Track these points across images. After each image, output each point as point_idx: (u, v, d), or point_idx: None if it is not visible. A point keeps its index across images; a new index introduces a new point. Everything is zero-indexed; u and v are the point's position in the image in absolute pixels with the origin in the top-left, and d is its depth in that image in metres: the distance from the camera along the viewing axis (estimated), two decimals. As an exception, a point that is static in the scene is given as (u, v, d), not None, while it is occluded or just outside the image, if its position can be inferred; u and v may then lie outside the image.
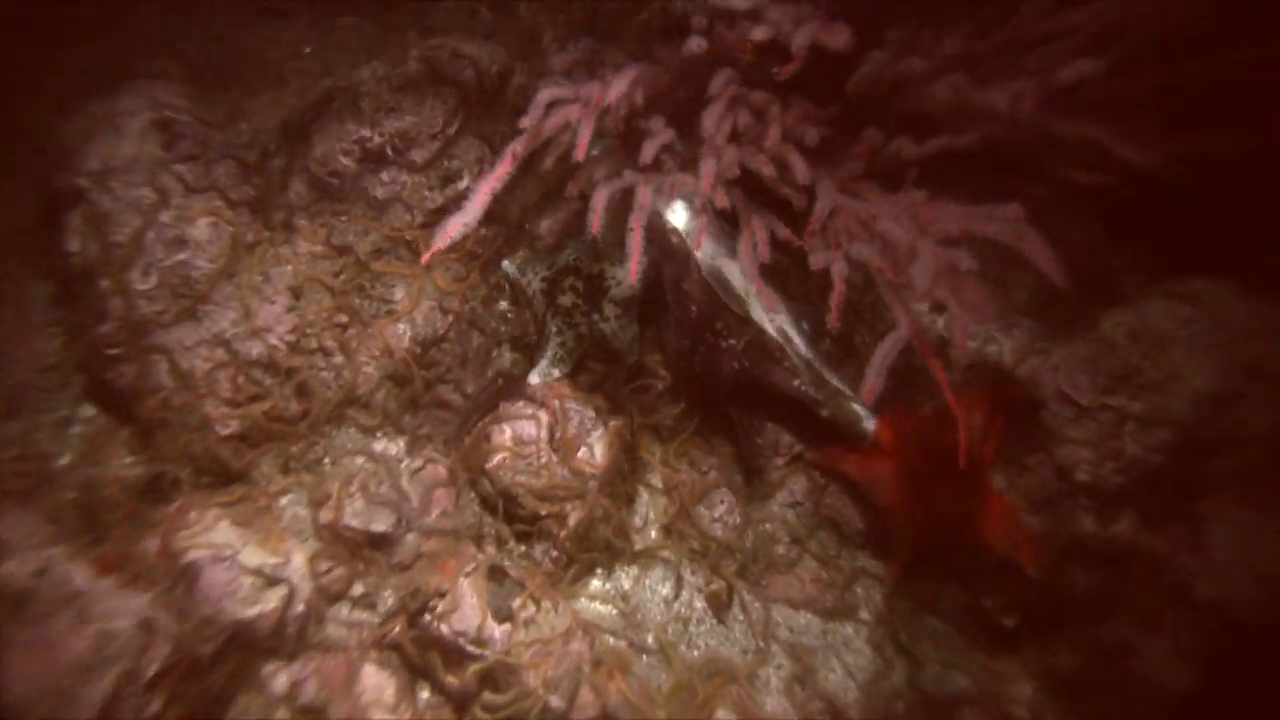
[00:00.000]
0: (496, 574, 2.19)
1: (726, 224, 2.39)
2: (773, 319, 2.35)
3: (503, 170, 2.12)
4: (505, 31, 2.62)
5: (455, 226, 2.06)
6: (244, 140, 2.40)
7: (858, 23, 2.11)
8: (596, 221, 2.16)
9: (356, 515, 2.22)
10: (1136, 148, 2.17)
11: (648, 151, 2.20)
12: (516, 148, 2.13)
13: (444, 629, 2.10)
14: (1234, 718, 2.18)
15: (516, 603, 2.14)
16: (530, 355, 2.53)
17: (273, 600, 2.09)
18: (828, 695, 2.30)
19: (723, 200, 2.22)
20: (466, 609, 2.11)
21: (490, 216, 2.45)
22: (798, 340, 2.35)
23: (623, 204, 2.24)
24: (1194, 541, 2.17)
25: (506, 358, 2.54)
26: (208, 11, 2.63)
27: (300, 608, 2.13)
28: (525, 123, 2.14)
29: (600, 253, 2.48)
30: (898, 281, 2.09)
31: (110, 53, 2.55)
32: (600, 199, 2.22)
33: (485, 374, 2.49)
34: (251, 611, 2.06)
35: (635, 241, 2.14)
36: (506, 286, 2.53)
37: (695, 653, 2.30)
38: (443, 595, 2.12)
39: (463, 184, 2.42)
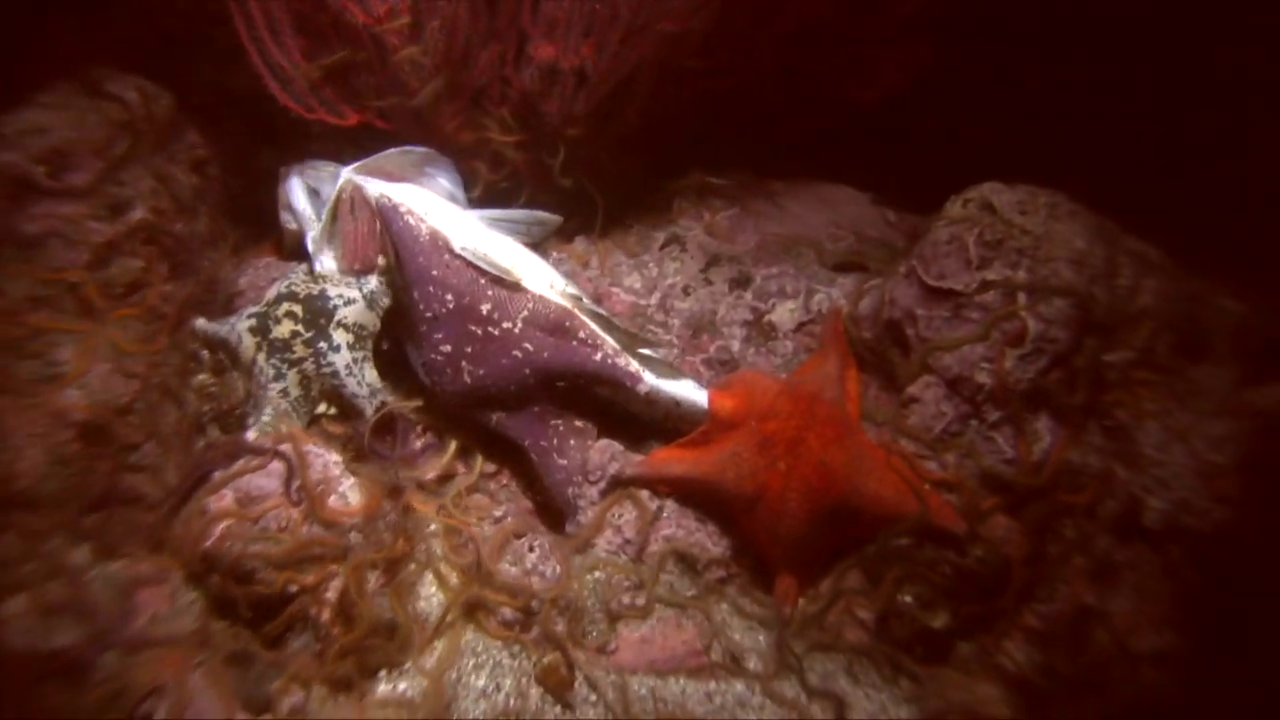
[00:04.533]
0: (242, 658, 1.90)
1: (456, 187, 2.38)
2: (555, 281, 2.16)
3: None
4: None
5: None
6: None
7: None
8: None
9: (25, 632, 1.85)
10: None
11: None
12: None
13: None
14: (1232, 656, 2.04)
15: (276, 685, 1.86)
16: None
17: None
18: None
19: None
20: (203, 704, 1.79)
21: (179, 268, 2.36)
22: (588, 300, 2.15)
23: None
24: (1124, 450, 2.10)
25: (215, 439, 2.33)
26: None
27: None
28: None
29: (320, 274, 2.36)
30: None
31: None
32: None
33: (187, 459, 2.24)
34: None
35: None
36: (205, 354, 2.35)
37: (542, 758, 2.01)
38: (162, 692, 1.77)
39: (136, 214, 2.23)
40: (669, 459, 2.18)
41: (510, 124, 2.48)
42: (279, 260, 2.63)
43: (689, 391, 2.17)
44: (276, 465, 2.07)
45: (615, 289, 2.47)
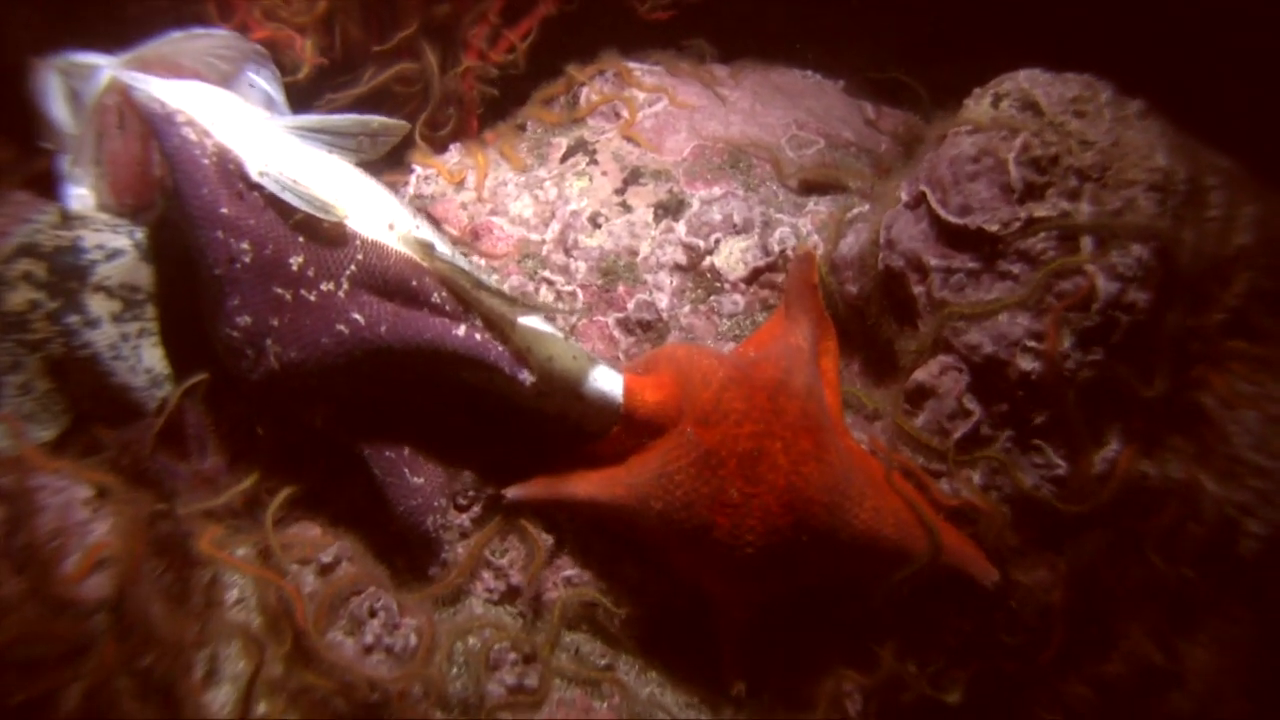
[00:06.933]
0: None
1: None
2: (397, 220, 1.51)
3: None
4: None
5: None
6: None
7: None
8: None
9: None
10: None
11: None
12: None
13: None
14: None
15: None
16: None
17: None
18: None
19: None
20: None
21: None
22: (443, 248, 1.50)
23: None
24: (1212, 451, 1.55)
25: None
26: None
27: None
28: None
29: (74, 215, 1.71)
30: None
31: None
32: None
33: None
34: None
35: None
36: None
37: None
38: None
39: None
40: (570, 476, 1.58)
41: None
42: (37, 197, 1.95)
43: (596, 378, 1.53)
44: (-6, 510, 1.44)
45: (497, 219, 1.85)
